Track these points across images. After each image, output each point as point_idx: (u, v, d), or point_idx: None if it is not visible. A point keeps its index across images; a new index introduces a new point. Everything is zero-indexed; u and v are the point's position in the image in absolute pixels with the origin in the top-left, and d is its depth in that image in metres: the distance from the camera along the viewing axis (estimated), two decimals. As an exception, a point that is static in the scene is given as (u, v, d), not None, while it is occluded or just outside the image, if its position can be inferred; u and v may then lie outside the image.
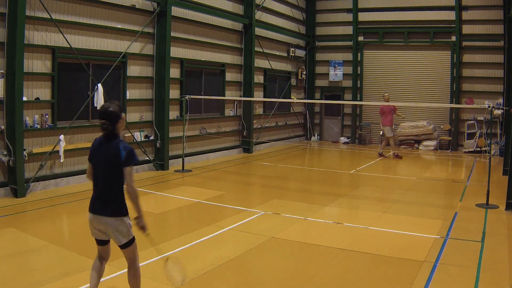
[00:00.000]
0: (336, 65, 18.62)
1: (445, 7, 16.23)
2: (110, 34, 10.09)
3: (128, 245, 3.85)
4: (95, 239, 3.95)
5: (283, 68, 17.65)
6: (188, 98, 11.34)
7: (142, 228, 3.83)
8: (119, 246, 3.85)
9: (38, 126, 8.65)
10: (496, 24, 15.45)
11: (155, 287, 4.58)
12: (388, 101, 13.60)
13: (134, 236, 3.88)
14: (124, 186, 3.78)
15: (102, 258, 4.02)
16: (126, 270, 3.99)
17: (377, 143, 17.59)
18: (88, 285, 4.42)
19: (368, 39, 17.96)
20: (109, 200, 3.78)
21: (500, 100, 14.61)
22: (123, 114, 3.83)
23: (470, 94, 16.07)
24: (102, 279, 4.12)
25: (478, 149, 15.33)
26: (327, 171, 11.99)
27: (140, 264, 4.03)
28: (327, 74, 18.91)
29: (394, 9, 17.25)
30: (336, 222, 7.07)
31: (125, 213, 3.81)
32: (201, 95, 12.89)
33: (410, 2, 16.93)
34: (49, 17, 8.57)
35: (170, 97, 11.50)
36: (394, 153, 14.11)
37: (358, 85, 18.10)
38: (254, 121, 15.27)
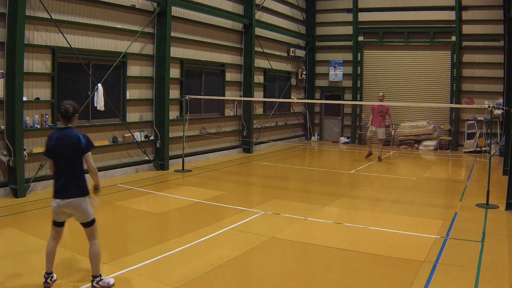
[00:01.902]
0: (336, 65, 18.62)
1: (445, 7, 16.23)
2: (110, 34, 10.10)
3: (92, 223, 4.45)
4: (54, 221, 4.46)
5: (283, 68, 17.65)
6: (188, 98, 11.34)
7: (96, 188, 4.55)
8: (84, 224, 4.42)
9: (38, 126, 8.65)
10: (496, 24, 15.45)
11: (155, 287, 4.58)
12: (382, 101, 13.21)
13: (95, 218, 4.48)
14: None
15: (55, 238, 4.52)
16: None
17: (377, 143, 17.58)
18: (88, 285, 4.44)
19: (368, 39, 17.96)
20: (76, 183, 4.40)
21: (500, 100, 14.60)
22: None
23: (470, 94, 16.07)
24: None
25: (478, 149, 15.34)
26: (327, 171, 11.99)
27: (140, 264, 4.06)
28: (327, 74, 18.92)
29: (394, 9, 17.25)
30: (336, 222, 7.07)
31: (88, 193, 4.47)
32: (201, 95, 12.89)
33: (410, 2, 16.93)
34: (49, 17, 8.57)
35: (170, 97, 11.50)
36: (369, 154, 13.82)
37: (358, 85, 18.10)
38: (254, 121, 15.27)
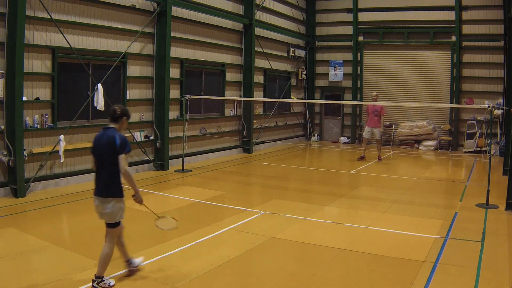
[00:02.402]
0: (336, 65, 18.62)
1: (445, 7, 16.23)
2: (110, 34, 10.10)
3: (113, 226, 4.51)
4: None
5: (283, 68, 17.65)
6: (188, 98, 11.34)
7: (140, 202, 4.59)
8: (106, 224, 4.50)
9: (38, 126, 8.65)
10: (496, 24, 15.45)
11: (155, 287, 4.58)
12: (376, 100, 13.11)
13: (120, 221, 4.56)
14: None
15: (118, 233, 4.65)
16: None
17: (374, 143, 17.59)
18: (88, 285, 4.45)
19: (368, 39, 17.96)
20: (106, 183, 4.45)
21: (500, 100, 14.61)
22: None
23: (470, 94, 16.07)
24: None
25: (478, 149, 15.34)
26: (327, 171, 11.99)
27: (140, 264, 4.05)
28: (327, 74, 18.92)
29: (394, 9, 17.25)
30: (336, 222, 7.07)
31: (122, 195, 4.52)
32: (201, 95, 12.89)
33: (410, 2, 16.93)
34: (49, 17, 8.57)
35: (170, 97, 11.50)
36: (362, 157, 13.63)
37: (358, 85, 18.10)
38: (254, 121, 15.27)
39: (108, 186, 4.42)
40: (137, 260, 4.87)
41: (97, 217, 4.60)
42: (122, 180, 4.46)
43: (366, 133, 13.51)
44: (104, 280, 4.40)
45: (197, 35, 12.78)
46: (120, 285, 4.57)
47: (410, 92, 16.98)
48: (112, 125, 4.56)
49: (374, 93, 13.59)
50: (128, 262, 4.78)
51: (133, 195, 4.56)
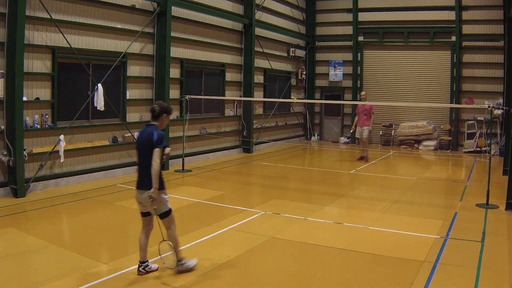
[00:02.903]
0: (336, 65, 18.62)
1: (445, 7, 16.23)
2: (110, 34, 10.09)
3: (165, 215, 4.74)
4: (140, 212, 4.84)
5: (283, 68, 17.65)
6: (188, 98, 11.34)
7: (152, 199, 4.54)
8: (158, 215, 4.73)
9: (38, 126, 8.65)
10: (496, 24, 15.45)
11: (155, 287, 4.58)
12: (365, 100, 13.08)
13: (170, 208, 4.78)
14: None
15: (145, 229, 4.86)
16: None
17: (377, 143, 17.61)
18: (88, 284, 4.45)
19: (368, 39, 17.96)
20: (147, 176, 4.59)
21: (500, 100, 14.61)
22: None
23: (470, 94, 16.07)
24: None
25: (478, 149, 15.33)
26: (327, 171, 11.99)
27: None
28: (327, 74, 18.92)
29: (394, 9, 17.25)
30: (336, 222, 7.07)
31: (161, 188, 4.66)
32: (201, 95, 12.89)
33: (410, 2, 16.93)
34: (49, 17, 8.57)
35: (170, 97, 11.50)
36: (362, 157, 13.52)
37: (358, 85, 18.10)
38: (254, 121, 15.27)
39: (147, 179, 4.56)
40: (155, 265, 4.95)
41: (138, 210, 4.81)
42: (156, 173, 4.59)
43: (358, 133, 13.51)
44: (149, 265, 4.80)
45: (197, 35, 12.78)
46: (120, 284, 4.57)
47: (410, 92, 16.98)
48: (153, 123, 4.79)
49: (363, 93, 13.63)
50: (145, 264, 4.84)
51: (149, 192, 4.56)
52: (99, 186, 9.20)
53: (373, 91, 17.71)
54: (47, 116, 8.82)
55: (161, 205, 4.69)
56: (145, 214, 4.83)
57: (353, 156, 14.67)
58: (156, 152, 4.55)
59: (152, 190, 4.50)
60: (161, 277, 4.79)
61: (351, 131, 14.06)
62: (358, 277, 4.95)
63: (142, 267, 4.76)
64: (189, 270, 4.86)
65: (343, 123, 18.81)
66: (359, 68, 18.09)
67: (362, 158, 13.47)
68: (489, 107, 8.66)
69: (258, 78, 15.82)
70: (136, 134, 10.76)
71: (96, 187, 9.15)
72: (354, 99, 17.88)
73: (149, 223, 4.87)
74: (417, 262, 5.30)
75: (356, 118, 13.50)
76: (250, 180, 11.10)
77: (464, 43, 16.14)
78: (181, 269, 4.82)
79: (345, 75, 18.47)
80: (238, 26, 14.55)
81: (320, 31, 19.05)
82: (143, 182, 4.64)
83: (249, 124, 14.78)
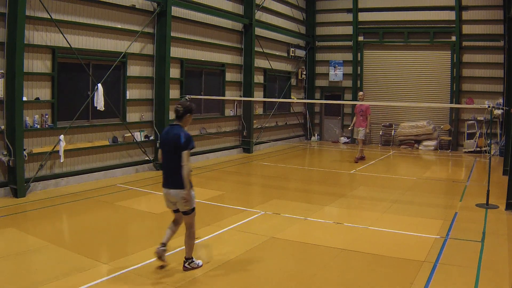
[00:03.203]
0: (336, 65, 18.62)
1: (445, 7, 16.23)
2: (110, 34, 10.10)
3: (189, 213, 4.87)
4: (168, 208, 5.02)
5: (283, 68, 17.65)
6: (188, 98, 11.34)
7: (186, 200, 4.75)
8: (182, 212, 4.88)
9: (38, 126, 8.65)
10: (496, 24, 15.45)
11: (155, 287, 4.58)
12: (362, 100, 13.01)
13: (194, 207, 4.92)
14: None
15: (177, 222, 5.09)
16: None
17: (377, 143, 17.61)
18: (88, 284, 4.45)
19: (368, 39, 17.96)
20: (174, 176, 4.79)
21: (500, 100, 14.61)
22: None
23: (470, 94, 16.07)
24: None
25: (478, 149, 15.34)
26: (327, 171, 11.99)
27: (140, 264, 4.04)
28: (327, 74, 18.92)
29: (394, 9, 17.25)
30: (336, 222, 7.07)
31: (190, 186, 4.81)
32: (201, 95, 12.89)
33: (410, 2, 16.93)
34: (49, 17, 8.57)
35: (170, 97, 11.50)
36: (359, 157, 13.45)
37: (358, 85, 18.10)
38: (254, 121, 15.27)
39: (176, 179, 4.74)
40: (199, 261, 5.10)
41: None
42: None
43: (355, 133, 13.50)
44: (194, 261, 4.97)
45: (197, 35, 12.78)
46: (119, 284, 4.57)
47: (410, 92, 16.97)
48: (177, 123, 4.91)
49: (361, 93, 13.57)
50: (163, 246, 4.94)
51: (182, 194, 4.75)
52: (99, 186, 9.21)
53: (373, 91, 17.72)
54: (47, 116, 8.82)
55: (186, 202, 4.86)
56: (176, 211, 5.01)
57: (353, 156, 14.67)
58: (185, 154, 4.72)
59: (185, 192, 4.71)
60: (161, 277, 4.79)
61: (349, 128, 14.08)
62: (358, 277, 4.96)
63: (188, 263, 4.95)
64: (197, 268, 5.01)
65: (343, 123, 18.81)
66: (359, 68, 18.09)
67: (359, 159, 13.40)
68: (489, 107, 8.66)
69: (258, 78, 15.82)
70: (136, 134, 10.78)
71: (96, 187, 9.15)
72: (354, 99, 17.84)
73: (181, 217, 5.03)
74: (417, 262, 5.31)
75: (355, 118, 13.48)
76: (250, 180, 11.10)
77: (464, 43, 16.14)
78: (189, 267, 4.95)
79: (345, 75, 18.47)
80: (238, 26, 14.55)
81: (320, 31, 19.05)
82: (169, 181, 4.81)
83: (249, 124, 14.78)
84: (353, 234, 6.55)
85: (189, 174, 4.74)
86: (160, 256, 4.92)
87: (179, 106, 4.92)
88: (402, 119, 17.14)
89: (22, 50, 7.96)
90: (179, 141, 4.73)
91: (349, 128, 13.56)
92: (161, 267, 4.98)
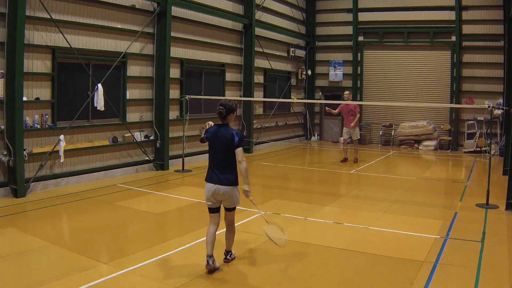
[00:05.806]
0: (336, 65, 18.62)
1: (445, 7, 16.23)
2: (110, 34, 10.09)
3: (234, 209, 5.14)
4: (209, 208, 5.11)
5: (283, 68, 17.65)
6: (188, 98, 11.34)
7: (246, 194, 4.97)
8: (227, 208, 5.10)
9: (38, 126, 8.65)
10: (496, 24, 15.45)
11: (155, 287, 4.58)
12: (349, 99, 12.74)
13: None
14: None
15: (215, 223, 5.11)
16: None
17: (377, 143, 17.61)
18: (88, 284, 4.45)
19: (368, 39, 17.96)
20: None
21: (500, 100, 14.61)
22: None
23: (470, 94, 16.07)
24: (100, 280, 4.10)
25: (478, 149, 15.34)
26: (327, 171, 11.99)
27: (140, 264, 4.04)
28: (327, 74, 18.92)
29: (394, 9, 17.25)
30: (336, 222, 7.07)
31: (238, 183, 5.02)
32: (201, 95, 12.89)
33: (410, 2, 16.93)
34: (49, 17, 8.57)
35: (170, 97, 11.50)
36: (345, 159, 13.20)
37: (358, 85, 18.10)
38: (254, 121, 15.27)
39: (229, 177, 4.96)
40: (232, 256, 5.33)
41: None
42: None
43: (344, 133, 13.28)
44: (233, 254, 5.30)
45: (197, 35, 12.78)
46: (119, 284, 4.57)
47: (410, 92, 16.98)
48: (223, 122, 5.07)
49: (346, 92, 13.16)
50: (212, 257, 4.93)
51: (245, 188, 4.96)
52: (99, 186, 9.21)
53: (373, 91, 17.73)
54: (47, 116, 8.82)
55: (235, 199, 5.06)
56: (215, 211, 5.09)
57: (353, 156, 14.67)
58: (240, 151, 4.92)
59: (246, 186, 4.94)
60: (161, 277, 4.79)
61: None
62: (358, 277, 4.96)
63: (229, 255, 5.24)
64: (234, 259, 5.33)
65: (343, 123, 18.77)
66: (359, 68, 18.09)
67: (346, 160, 13.21)
68: (489, 107, 8.66)
69: (258, 78, 15.82)
70: (136, 134, 10.78)
71: (96, 187, 9.15)
72: (354, 99, 17.86)
73: (218, 218, 5.12)
74: (417, 262, 5.31)
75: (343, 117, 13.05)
76: (250, 180, 11.05)
77: (464, 43, 16.14)
78: (230, 259, 5.24)
79: (345, 75, 18.47)
80: (238, 26, 14.55)
81: (320, 31, 19.05)
82: (221, 179, 4.95)
83: (249, 124, 14.78)
84: (353, 234, 6.55)
85: (246, 169, 4.92)
86: (213, 270, 4.92)
87: (221, 107, 5.03)
88: (402, 119, 17.13)
89: (22, 50, 7.96)
90: (233, 139, 4.92)
91: (344, 131, 13.36)
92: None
